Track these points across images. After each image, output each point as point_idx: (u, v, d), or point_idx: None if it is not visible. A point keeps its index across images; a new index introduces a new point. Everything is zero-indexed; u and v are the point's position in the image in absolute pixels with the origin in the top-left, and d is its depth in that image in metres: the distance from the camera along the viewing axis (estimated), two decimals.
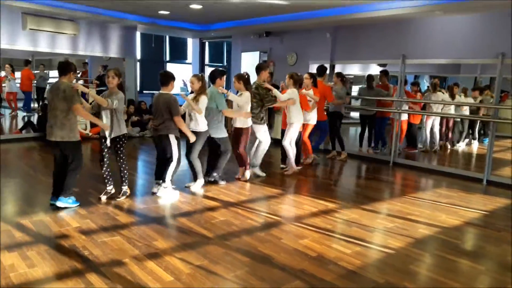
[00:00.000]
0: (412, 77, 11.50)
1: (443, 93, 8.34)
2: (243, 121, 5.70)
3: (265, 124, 6.08)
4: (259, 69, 6.08)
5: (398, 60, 7.20)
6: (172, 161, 4.96)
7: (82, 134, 8.61)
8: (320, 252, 3.57)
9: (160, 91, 4.96)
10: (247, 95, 5.61)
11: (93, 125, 8.88)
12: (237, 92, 5.80)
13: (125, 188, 4.89)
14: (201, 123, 5.17)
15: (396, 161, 7.33)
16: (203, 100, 5.11)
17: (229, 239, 3.79)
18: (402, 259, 3.51)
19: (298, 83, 6.16)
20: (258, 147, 6.10)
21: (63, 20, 8.52)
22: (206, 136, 5.29)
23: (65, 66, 4.38)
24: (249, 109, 5.66)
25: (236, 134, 5.81)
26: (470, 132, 9.39)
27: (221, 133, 5.45)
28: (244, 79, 5.67)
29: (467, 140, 9.36)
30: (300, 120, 6.18)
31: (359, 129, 8.50)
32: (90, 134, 8.76)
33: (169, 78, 4.94)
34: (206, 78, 6.94)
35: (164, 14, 8.78)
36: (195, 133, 5.13)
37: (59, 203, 4.41)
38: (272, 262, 3.35)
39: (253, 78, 6.04)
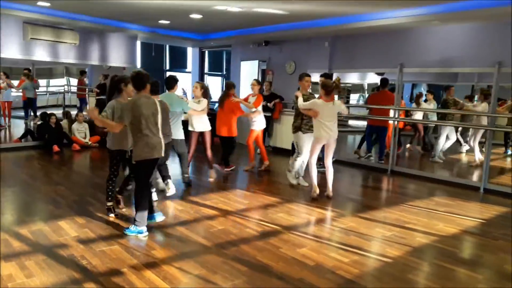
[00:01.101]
0: (409, 86, 11.57)
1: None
2: (203, 126, 6.06)
3: (305, 134, 5.85)
4: (299, 79, 6.08)
5: (396, 69, 7.26)
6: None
7: (81, 143, 8.67)
8: (318, 261, 3.58)
9: (159, 99, 4.98)
10: (204, 101, 6.00)
11: (92, 134, 8.93)
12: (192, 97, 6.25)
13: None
14: None
15: (394, 169, 7.35)
16: None
17: (227, 248, 3.80)
18: (399, 267, 3.52)
19: (326, 91, 5.50)
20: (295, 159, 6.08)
21: (64, 30, 8.59)
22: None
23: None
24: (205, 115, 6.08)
25: (197, 139, 6.16)
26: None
27: (179, 135, 5.66)
28: (205, 88, 6.12)
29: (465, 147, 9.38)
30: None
31: (357, 137, 8.60)
32: (90, 143, 8.80)
33: (158, 86, 5.06)
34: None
35: (165, 23, 8.85)
36: None
37: (159, 219, 4.40)
38: (270, 271, 3.36)
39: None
